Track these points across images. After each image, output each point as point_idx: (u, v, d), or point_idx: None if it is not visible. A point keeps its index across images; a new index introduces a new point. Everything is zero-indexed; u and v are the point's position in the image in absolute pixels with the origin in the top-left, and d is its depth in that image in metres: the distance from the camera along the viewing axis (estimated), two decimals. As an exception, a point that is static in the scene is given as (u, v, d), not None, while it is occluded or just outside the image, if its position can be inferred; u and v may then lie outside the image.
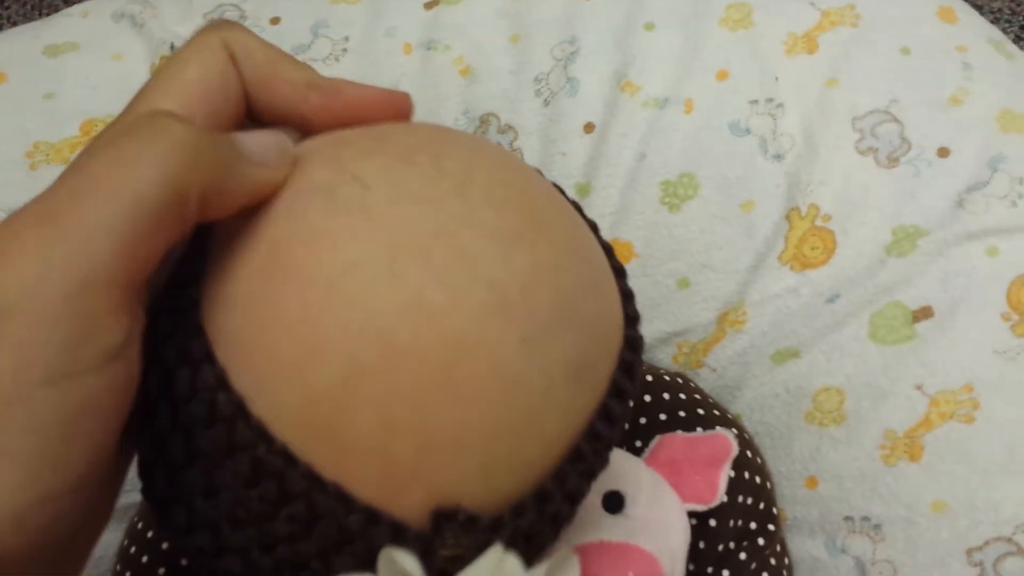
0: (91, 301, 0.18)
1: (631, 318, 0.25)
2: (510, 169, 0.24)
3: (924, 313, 0.44)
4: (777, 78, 0.49)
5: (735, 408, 0.49)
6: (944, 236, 0.45)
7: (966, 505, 0.40)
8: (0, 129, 0.50)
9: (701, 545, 0.40)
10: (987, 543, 0.39)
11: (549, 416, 0.22)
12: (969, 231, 0.44)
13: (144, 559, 0.40)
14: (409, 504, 0.21)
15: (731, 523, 0.41)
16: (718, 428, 0.43)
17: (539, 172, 0.26)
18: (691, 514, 0.40)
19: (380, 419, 0.20)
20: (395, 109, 0.25)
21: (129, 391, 0.19)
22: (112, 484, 0.22)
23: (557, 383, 0.21)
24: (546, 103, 0.51)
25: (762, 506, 0.43)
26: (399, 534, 0.20)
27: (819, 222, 0.47)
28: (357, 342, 0.20)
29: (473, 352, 0.20)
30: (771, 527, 0.43)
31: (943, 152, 0.46)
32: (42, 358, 0.17)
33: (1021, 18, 1.02)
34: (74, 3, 0.59)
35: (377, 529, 0.20)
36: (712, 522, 0.41)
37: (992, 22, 0.69)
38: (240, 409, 0.20)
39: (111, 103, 0.51)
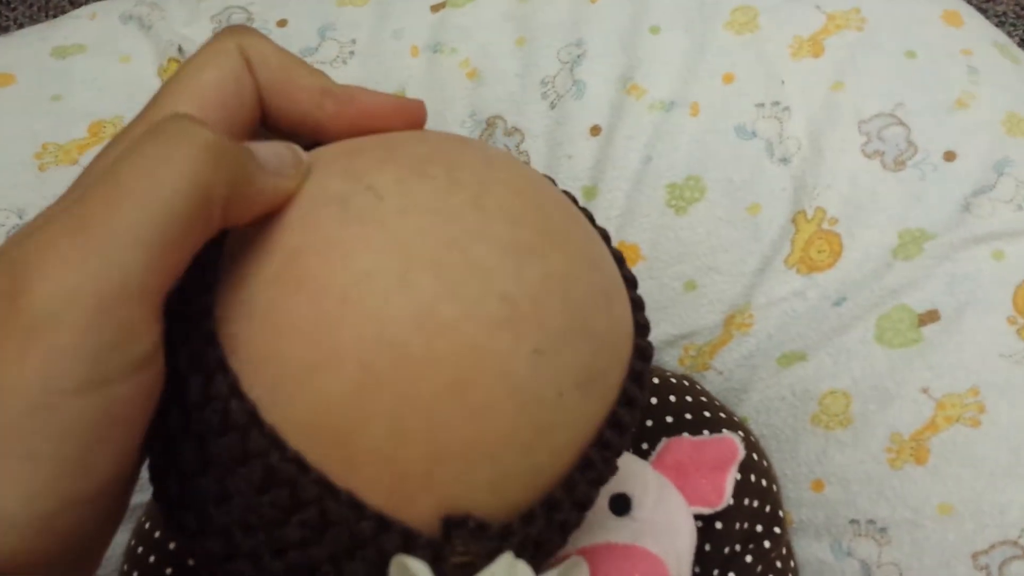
0: (124, 310, 0.18)
1: (641, 327, 0.25)
2: (524, 180, 0.24)
3: (930, 316, 0.44)
4: (783, 81, 0.49)
5: (741, 411, 0.49)
6: (950, 240, 0.45)
7: (972, 508, 0.40)
8: (8, 130, 0.50)
9: (707, 547, 0.41)
10: (993, 546, 0.39)
11: (559, 425, 0.22)
12: (975, 235, 0.44)
13: (151, 559, 0.40)
14: (420, 511, 0.21)
15: (737, 526, 0.41)
16: (724, 431, 0.43)
17: (551, 181, 0.26)
18: (697, 516, 0.40)
19: (392, 428, 0.20)
20: (409, 117, 0.25)
21: (153, 399, 0.19)
22: (129, 487, 0.22)
23: (567, 393, 0.21)
24: (552, 106, 0.51)
25: (768, 509, 0.43)
26: (410, 541, 0.21)
27: (825, 225, 0.47)
28: (370, 351, 0.20)
29: (484, 363, 0.20)
30: (777, 530, 0.43)
31: (949, 156, 0.46)
32: (73, 367, 0.17)
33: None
34: (81, 5, 0.59)
35: (388, 536, 0.20)
36: (718, 525, 0.41)
37: (997, 25, 0.69)
38: (253, 417, 0.20)
39: (119, 105, 0.51)
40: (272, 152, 0.22)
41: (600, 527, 0.36)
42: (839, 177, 0.47)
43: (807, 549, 0.45)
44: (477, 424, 0.20)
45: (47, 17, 1.09)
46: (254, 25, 0.54)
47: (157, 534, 0.41)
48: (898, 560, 0.41)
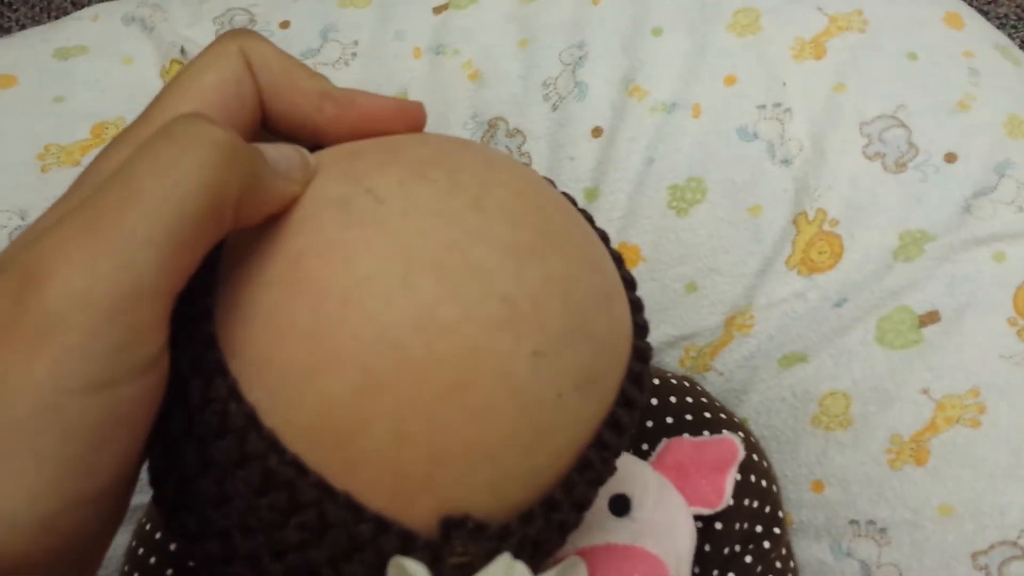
0: (135, 312, 0.18)
1: (640, 328, 0.25)
2: (524, 182, 0.24)
3: (931, 318, 0.44)
4: (785, 83, 0.49)
5: (742, 412, 0.49)
6: (951, 241, 0.45)
7: (972, 509, 0.40)
8: (11, 132, 0.50)
9: (707, 548, 0.41)
10: (992, 547, 0.39)
11: (558, 426, 0.22)
12: (976, 236, 0.44)
13: (152, 560, 0.40)
14: (419, 513, 0.21)
15: (737, 526, 0.41)
16: (725, 432, 0.43)
17: (551, 183, 0.26)
18: (697, 517, 0.40)
19: (392, 430, 0.20)
20: (409, 119, 0.25)
21: (157, 401, 0.19)
22: (130, 487, 0.22)
23: (567, 394, 0.22)
24: (554, 107, 0.51)
25: (768, 510, 0.43)
26: (408, 542, 0.21)
27: (826, 227, 0.47)
28: (370, 354, 0.20)
29: (485, 364, 0.20)
30: (777, 531, 0.43)
31: (950, 157, 0.46)
32: (82, 367, 0.17)
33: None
34: (83, 6, 0.59)
35: (386, 537, 0.20)
36: (718, 525, 0.41)
37: (998, 27, 0.69)
38: (252, 420, 0.20)
39: (121, 106, 0.51)
40: (281, 154, 0.22)
41: (600, 528, 0.36)
42: (840, 179, 0.47)
43: (807, 550, 0.45)
44: (477, 425, 0.20)
45: (49, 18, 1.09)
46: (256, 26, 0.54)
47: (158, 535, 0.41)
48: (898, 561, 0.41)
